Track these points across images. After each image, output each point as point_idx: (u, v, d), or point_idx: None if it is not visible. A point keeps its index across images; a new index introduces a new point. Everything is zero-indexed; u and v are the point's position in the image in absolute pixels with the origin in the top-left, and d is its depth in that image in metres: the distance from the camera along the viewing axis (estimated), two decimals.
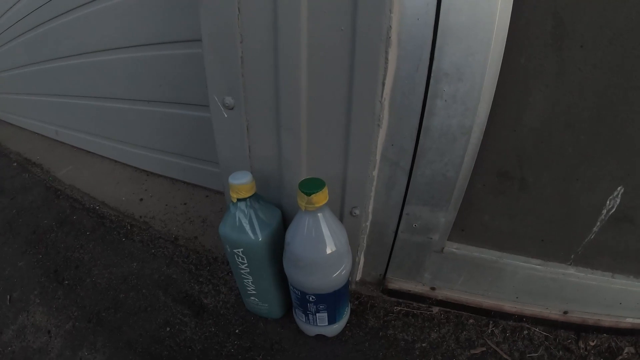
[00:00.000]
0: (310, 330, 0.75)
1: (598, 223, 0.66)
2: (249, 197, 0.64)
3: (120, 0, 1.11)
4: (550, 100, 0.56)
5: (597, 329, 0.76)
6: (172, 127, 1.27)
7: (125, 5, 1.11)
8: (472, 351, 0.74)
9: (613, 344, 0.75)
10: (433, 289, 0.82)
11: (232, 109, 0.66)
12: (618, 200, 0.63)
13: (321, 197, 0.57)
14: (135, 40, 1.17)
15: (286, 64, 0.58)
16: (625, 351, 0.73)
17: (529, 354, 0.73)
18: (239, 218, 0.65)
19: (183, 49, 1.05)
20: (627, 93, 0.53)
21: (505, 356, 0.73)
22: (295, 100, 0.61)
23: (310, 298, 0.66)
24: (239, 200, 0.64)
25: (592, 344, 0.75)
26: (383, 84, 0.55)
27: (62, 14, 1.40)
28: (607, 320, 0.76)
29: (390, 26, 0.51)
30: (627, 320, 0.76)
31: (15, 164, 1.88)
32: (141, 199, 1.36)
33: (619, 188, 0.61)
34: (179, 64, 1.09)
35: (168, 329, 0.82)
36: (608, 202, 0.63)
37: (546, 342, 0.75)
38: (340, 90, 0.57)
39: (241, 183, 0.62)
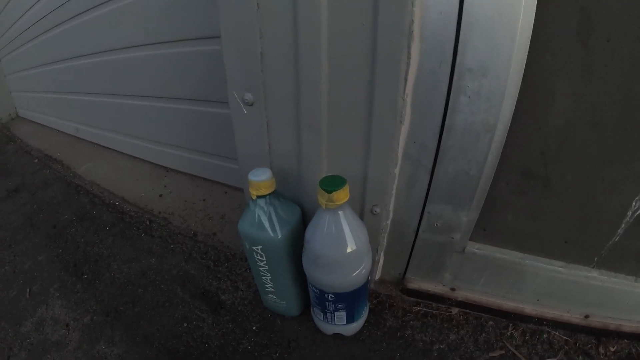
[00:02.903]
0: (328, 329, 0.75)
1: (623, 225, 0.64)
2: (269, 194, 0.65)
3: None
4: (575, 98, 0.55)
5: (618, 334, 0.74)
6: (191, 124, 1.29)
7: (145, 3, 1.13)
8: (491, 354, 0.72)
9: (634, 350, 0.72)
10: (453, 289, 0.81)
11: (251, 105, 0.66)
12: None
13: (342, 195, 0.56)
14: (156, 38, 1.18)
15: (306, 59, 0.58)
16: None
17: (548, 358, 0.72)
18: (258, 215, 0.66)
19: (203, 46, 1.06)
20: None
21: None
22: (315, 97, 0.61)
23: (329, 297, 0.67)
24: (258, 197, 0.64)
25: (612, 349, 0.73)
26: (405, 80, 0.55)
27: (82, 12, 1.43)
28: (629, 326, 0.74)
29: (413, 20, 0.51)
30: None
31: (37, 160, 1.94)
32: (160, 195, 1.38)
33: None
34: (199, 61, 1.11)
35: (185, 324, 0.83)
36: (634, 203, 0.61)
37: (566, 347, 0.74)
38: (362, 86, 0.57)
39: (261, 180, 0.62)
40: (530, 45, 0.52)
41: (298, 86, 0.61)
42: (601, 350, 0.73)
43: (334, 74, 0.58)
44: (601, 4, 0.48)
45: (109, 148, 1.88)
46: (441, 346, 0.74)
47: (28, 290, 0.99)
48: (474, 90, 0.54)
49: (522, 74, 0.54)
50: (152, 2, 1.11)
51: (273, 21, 0.57)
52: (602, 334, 0.75)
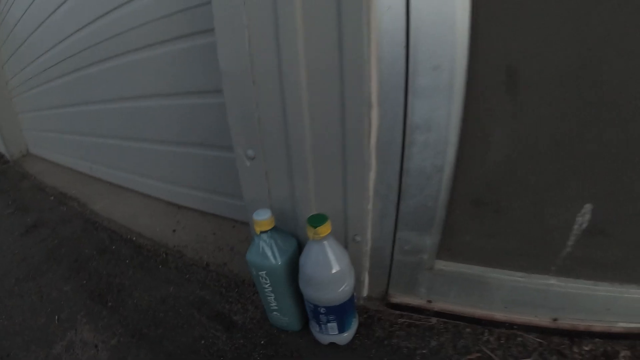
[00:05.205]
0: (324, 338, 0.83)
1: (572, 237, 0.69)
2: (270, 230, 0.76)
3: (153, 54, 1.22)
4: (510, 138, 0.63)
5: (589, 334, 0.76)
6: (202, 166, 1.35)
7: (159, 57, 1.21)
8: (468, 357, 0.77)
9: (609, 348, 0.75)
10: (430, 301, 0.87)
11: (253, 159, 0.78)
12: (588, 216, 0.66)
13: (325, 229, 0.69)
14: (169, 90, 1.26)
15: (294, 124, 0.70)
16: (621, 355, 0.73)
17: (523, 359, 0.74)
18: (262, 247, 0.77)
19: (211, 98, 1.13)
20: (580, 124, 0.59)
21: None
22: (302, 152, 0.73)
23: (321, 310, 0.76)
24: (261, 232, 0.76)
25: (586, 348, 0.75)
26: (369, 137, 0.67)
27: (102, 60, 1.49)
28: (599, 326, 0.76)
29: (370, 92, 0.63)
30: (619, 325, 0.76)
31: (52, 198, 1.98)
32: (174, 230, 1.43)
33: (586, 205, 0.65)
34: (208, 112, 1.18)
35: (203, 341, 0.90)
36: (578, 218, 0.67)
37: (540, 348, 0.76)
38: (337, 143, 0.69)
39: (263, 219, 0.74)
40: (465, 100, 0.61)
41: (288, 144, 0.73)
42: (575, 349, 0.75)
43: (315, 134, 0.70)
44: (526, 59, 0.56)
45: (123, 187, 1.90)
46: (423, 351, 0.80)
47: (56, 317, 1.05)
48: (422, 141, 0.66)
49: (460, 124, 0.64)
50: (165, 57, 1.19)
51: (266, 93, 0.70)
52: (574, 335, 0.77)
